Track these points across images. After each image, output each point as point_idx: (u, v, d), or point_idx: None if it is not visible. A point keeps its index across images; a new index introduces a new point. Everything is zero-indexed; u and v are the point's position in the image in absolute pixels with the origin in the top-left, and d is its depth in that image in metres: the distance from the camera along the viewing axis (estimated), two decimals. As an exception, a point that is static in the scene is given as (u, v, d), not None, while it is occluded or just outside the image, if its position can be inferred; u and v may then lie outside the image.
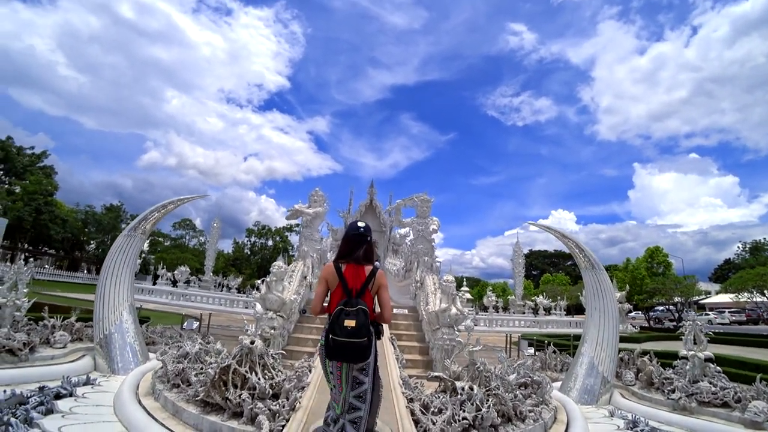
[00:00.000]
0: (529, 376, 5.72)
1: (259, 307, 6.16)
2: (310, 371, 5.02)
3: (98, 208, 55.98)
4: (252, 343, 3.98)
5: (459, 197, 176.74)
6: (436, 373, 4.29)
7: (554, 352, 9.21)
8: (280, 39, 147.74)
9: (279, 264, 8.03)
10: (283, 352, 4.58)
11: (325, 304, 3.06)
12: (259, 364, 4.01)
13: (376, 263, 3.21)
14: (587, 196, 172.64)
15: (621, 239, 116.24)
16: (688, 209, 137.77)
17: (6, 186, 48.24)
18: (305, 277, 11.28)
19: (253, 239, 65.83)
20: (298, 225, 13.81)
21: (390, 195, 29.29)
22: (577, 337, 15.44)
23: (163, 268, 26.73)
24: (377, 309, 3.09)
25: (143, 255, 56.89)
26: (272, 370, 4.08)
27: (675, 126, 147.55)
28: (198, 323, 10.72)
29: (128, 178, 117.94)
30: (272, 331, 6.81)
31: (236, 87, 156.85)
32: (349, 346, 2.70)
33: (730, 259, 61.79)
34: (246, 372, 3.90)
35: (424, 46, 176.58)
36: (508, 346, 12.30)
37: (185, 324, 10.04)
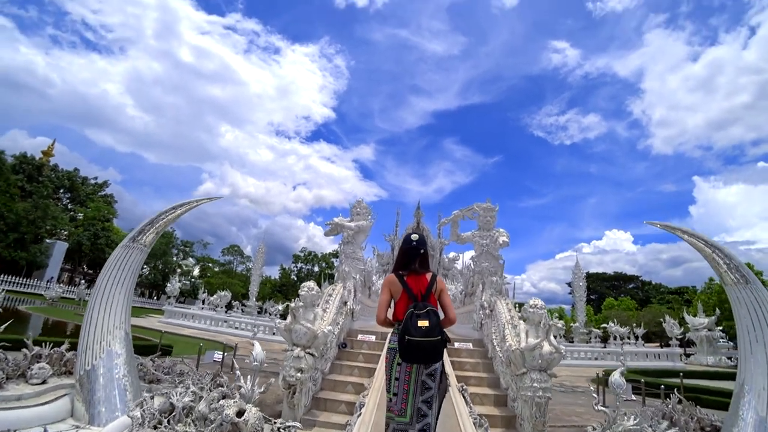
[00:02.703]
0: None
1: (257, 348, 4.33)
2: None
3: (152, 234, 57.99)
4: (240, 414, 2.20)
5: (507, 221, 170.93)
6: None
7: (680, 401, 6.71)
8: (325, 73, 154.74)
9: (309, 285, 6.26)
10: (298, 424, 2.75)
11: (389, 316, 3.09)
12: (252, 453, 2.21)
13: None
14: (644, 215, 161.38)
15: (685, 259, 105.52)
16: (762, 223, 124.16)
17: (71, 213, 51.45)
18: (345, 303, 9.36)
19: (299, 265, 66.39)
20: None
21: (438, 215, 27.40)
22: (689, 374, 12.51)
23: (204, 292, 26.10)
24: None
25: (193, 279, 57.94)
26: (276, 463, 2.27)
27: (739, 134, 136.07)
28: (223, 354, 9.13)
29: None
30: (299, 374, 5.03)
31: (285, 120, 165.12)
32: (425, 345, 2.69)
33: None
34: (227, 469, 2.12)
35: (464, 71, 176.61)
36: (599, 387, 9.72)
37: (205, 356, 8.42)
